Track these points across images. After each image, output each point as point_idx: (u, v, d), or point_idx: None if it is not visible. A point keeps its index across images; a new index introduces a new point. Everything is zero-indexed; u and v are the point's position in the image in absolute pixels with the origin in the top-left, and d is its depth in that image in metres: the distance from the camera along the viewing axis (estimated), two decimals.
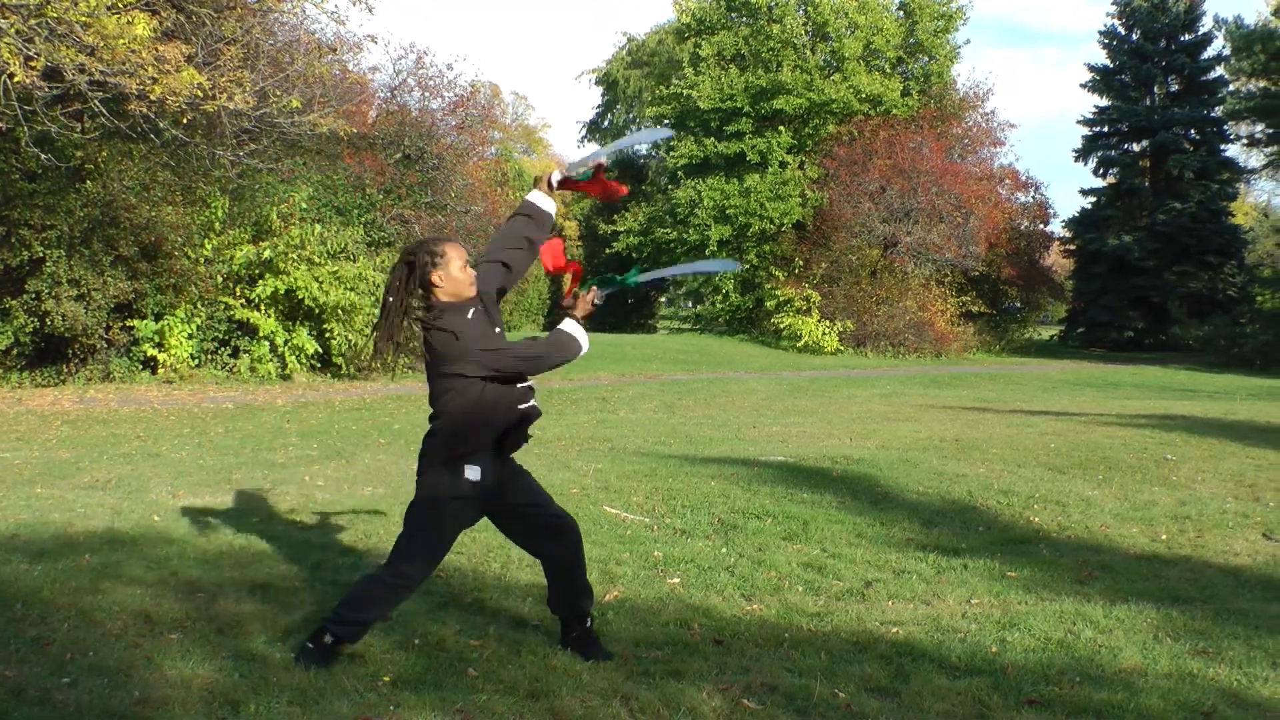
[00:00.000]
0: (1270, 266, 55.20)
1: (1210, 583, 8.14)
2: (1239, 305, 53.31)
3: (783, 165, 52.58)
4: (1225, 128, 60.37)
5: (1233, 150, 62.34)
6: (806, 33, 53.18)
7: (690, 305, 66.21)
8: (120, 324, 25.70)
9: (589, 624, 6.44)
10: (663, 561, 8.54)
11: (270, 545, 8.76)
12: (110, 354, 25.80)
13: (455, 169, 34.99)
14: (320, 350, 28.35)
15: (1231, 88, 58.02)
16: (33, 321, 23.70)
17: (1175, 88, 61.78)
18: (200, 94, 19.45)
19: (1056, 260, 67.55)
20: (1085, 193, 63.17)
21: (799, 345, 47.12)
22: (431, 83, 35.79)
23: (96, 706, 5.30)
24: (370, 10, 50.47)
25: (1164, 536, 9.74)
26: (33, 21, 17.61)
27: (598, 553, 8.72)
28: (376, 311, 27.94)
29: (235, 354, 27.73)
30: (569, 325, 6.16)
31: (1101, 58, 63.17)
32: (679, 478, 12.23)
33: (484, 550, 8.75)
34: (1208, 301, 57.82)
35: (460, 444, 5.92)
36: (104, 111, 19.53)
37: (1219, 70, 59.87)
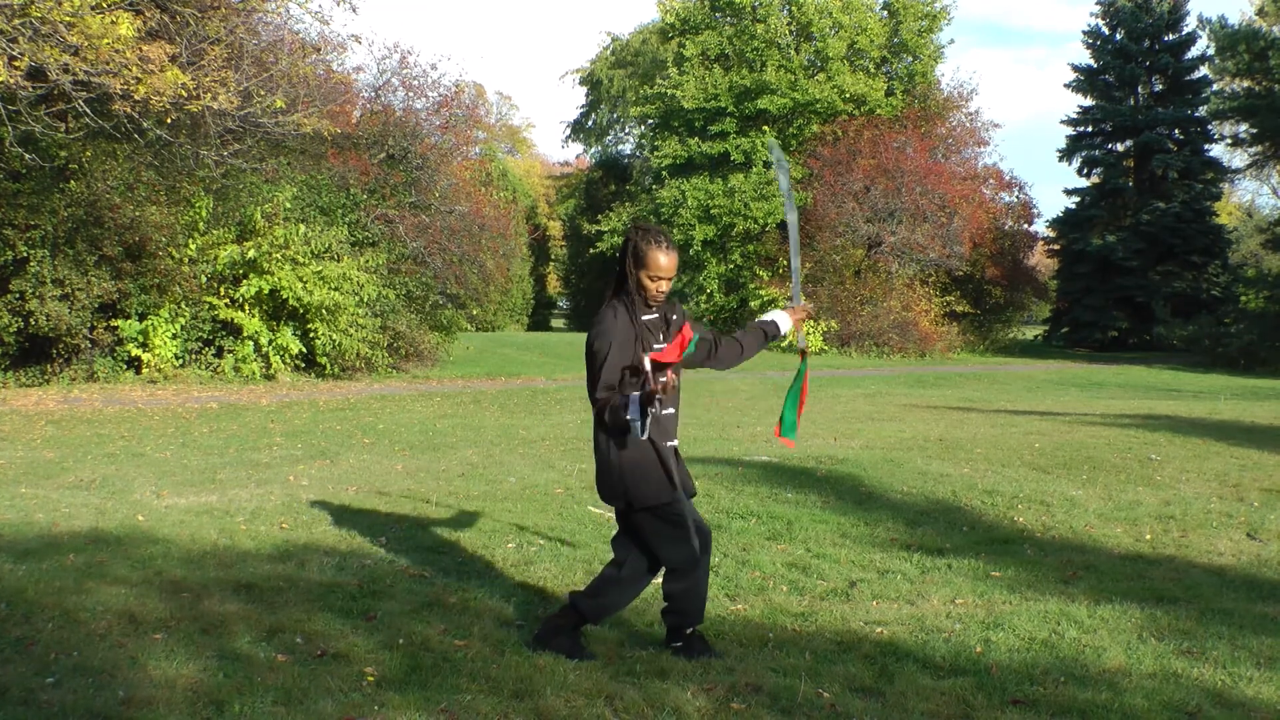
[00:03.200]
0: (1254, 266, 55.31)
1: (1195, 583, 8.15)
2: (1223, 305, 53.35)
3: (767, 165, 52.63)
4: (1209, 127, 60.57)
5: (1217, 150, 62.71)
6: (791, 32, 53.27)
7: None
8: (104, 324, 25.68)
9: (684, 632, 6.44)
10: None
11: (255, 545, 8.76)
12: (94, 354, 25.77)
13: (439, 169, 34.95)
14: (304, 350, 28.36)
15: (1215, 88, 58.14)
16: (17, 321, 23.66)
17: (1159, 88, 61.99)
18: (184, 94, 19.45)
19: (1041, 260, 67.71)
20: (1069, 192, 63.34)
21: (783, 345, 47.10)
22: (416, 83, 35.77)
23: (81, 707, 5.28)
24: (354, 10, 50.59)
25: (1148, 536, 9.76)
26: (16, 21, 17.58)
27: (582, 553, 8.74)
28: (359, 311, 28.01)
29: (219, 354, 27.73)
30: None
31: (1085, 58, 63.42)
32: None
33: (469, 550, 8.75)
34: (1192, 301, 57.98)
35: None
36: (88, 111, 19.51)
37: (1203, 70, 60.05)
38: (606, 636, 6.62)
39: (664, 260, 6.01)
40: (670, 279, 6.08)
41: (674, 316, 6.27)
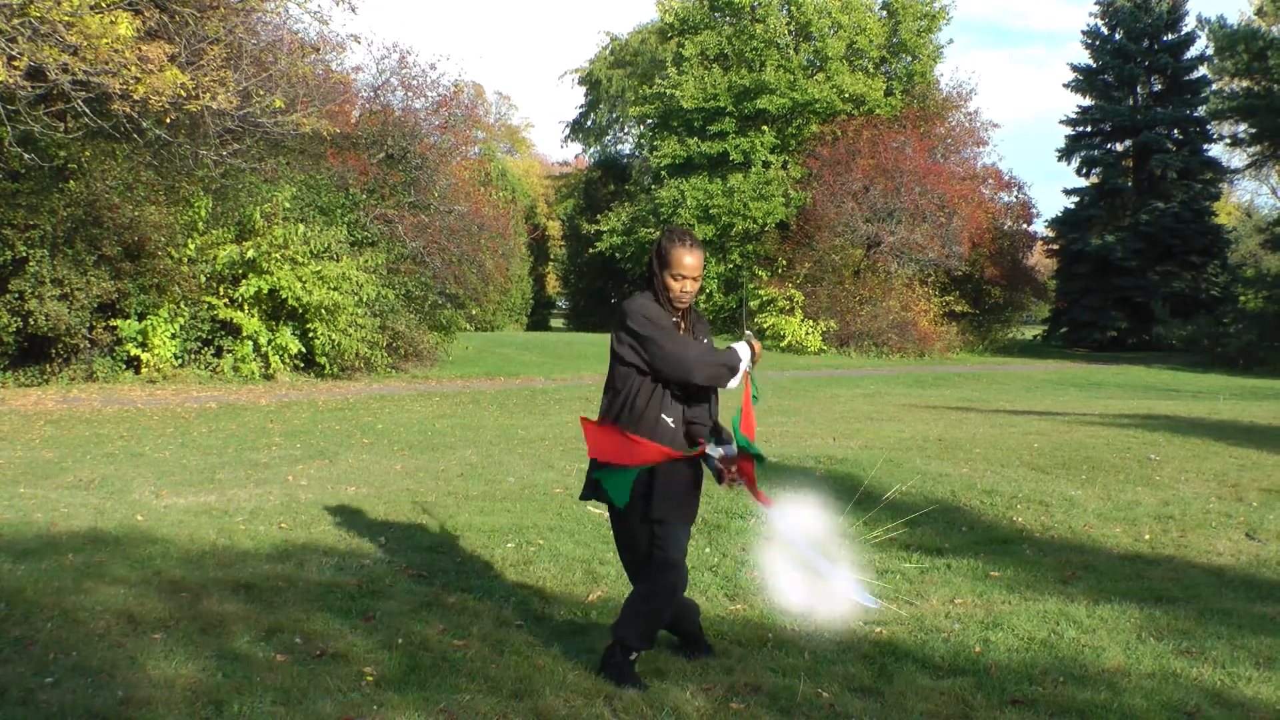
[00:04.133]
0: (1253, 266, 55.27)
1: (1193, 582, 8.15)
2: (1222, 305, 53.30)
3: (766, 165, 52.64)
4: (1208, 127, 60.46)
5: (1215, 150, 62.55)
6: (790, 32, 53.24)
7: None
8: (104, 324, 25.67)
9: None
10: None
11: (254, 545, 8.76)
12: (94, 354, 25.76)
13: (439, 169, 34.92)
14: (303, 350, 28.34)
15: (1214, 87, 58.03)
16: (16, 321, 23.65)
17: (1158, 87, 61.95)
18: (183, 94, 19.44)
19: (1040, 260, 67.63)
20: (1068, 192, 63.30)
21: (782, 345, 47.14)
22: (415, 82, 35.73)
23: (80, 707, 5.29)
24: (353, 10, 50.40)
25: (1147, 536, 9.76)
26: (15, 21, 17.57)
27: (582, 552, 8.74)
28: (359, 311, 28.01)
29: (219, 354, 27.71)
30: None
31: (1084, 57, 63.35)
32: None
33: (468, 550, 8.75)
34: (1191, 301, 57.95)
35: None
36: (87, 111, 19.50)
37: (1202, 70, 59.96)
38: (605, 635, 6.62)
39: (688, 259, 5.92)
40: (695, 279, 5.98)
41: (701, 335, 6.19)
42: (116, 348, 26.11)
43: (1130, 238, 58.15)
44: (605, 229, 56.87)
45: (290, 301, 27.49)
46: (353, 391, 26.24)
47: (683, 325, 6.07)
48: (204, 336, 27.50)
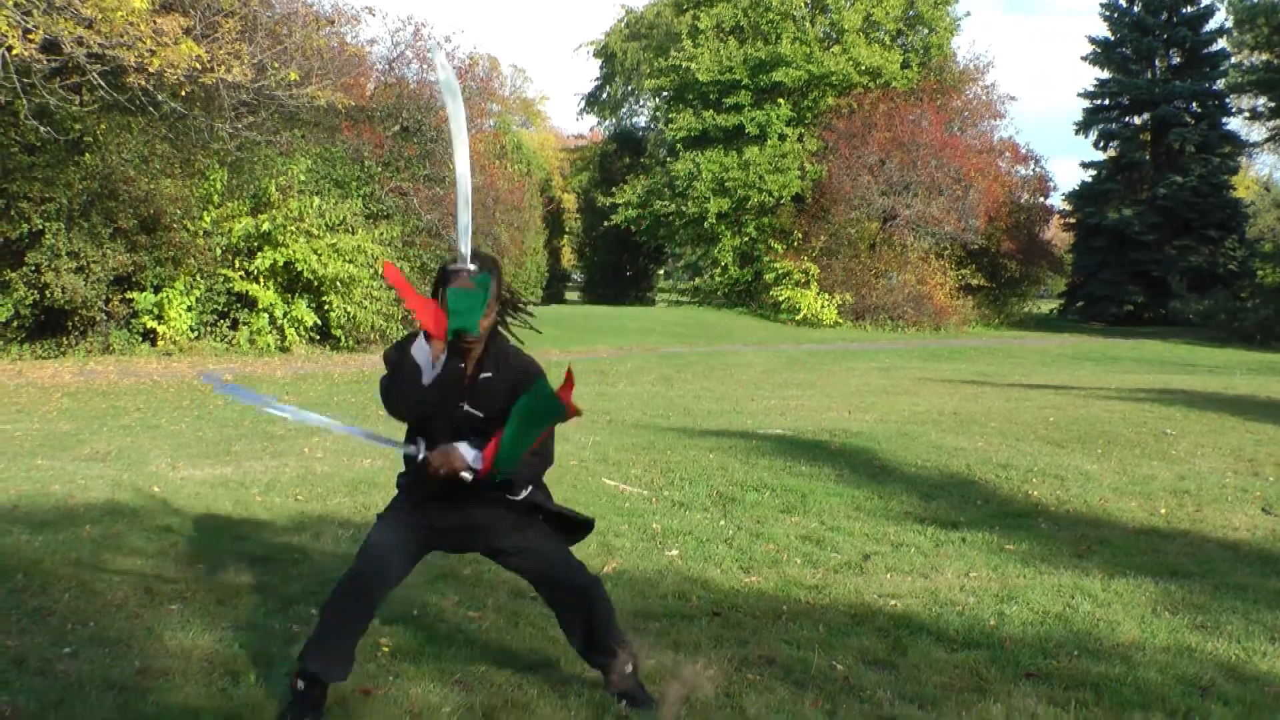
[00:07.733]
0: (1271, 241, 55.04)
1: (1209, 557, 8.14)
2: (1239, 280, 53.15)
3: (782, 138, 52.44)
4: (1227, 101, 60.25)
5: (1234, 124, 62.28)
6: (806, 4, 53.02)
7: (689, 278, 65.99)
8: (120, 296, 25.72)
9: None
10: (661, 534, 8.54)
11: (270, 517, 8.77)
12: (110, 326, 25.82)
13: None
14: (319, 322, 28.37)
15: (1233, 61, 57.85)
16: (33, 294, 23.72)
17: (1176, 61, 61.60)
18: (198, 66, 19.45)
19: (1056, 234, 67.44)
20: (1085, 166, 63.16)
21: (798, 318, 47.08)
22: (429, 55, 35.66)
23: (97, 677, 5.30)
24: None
25: (1163, 511, 9.75)
26: None
27: (597, 524, 8.74)
28: (374, 284, 28.00)
29: (234, 326, 27.77)
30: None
31: (1103, 30, 63.03)
32: (677, 450, 12.23)
33: None
34: (1208, 276, 57.69)
35: None
36: (102, 84, 19.52)
37: (1221, 43, 59.70)
38: (620, 608, 6.61)
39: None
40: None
41: (504, 373, 5.12)
42: (133, 320, 26.18)
43: (1147, 212, 57.94)
44: (620, 202, 56.69)
45: (305, 274, 27.51)
46: (368, 364, 26.24)
47: (466, 367, 5.11)
48: (220, 309, 27.56)
